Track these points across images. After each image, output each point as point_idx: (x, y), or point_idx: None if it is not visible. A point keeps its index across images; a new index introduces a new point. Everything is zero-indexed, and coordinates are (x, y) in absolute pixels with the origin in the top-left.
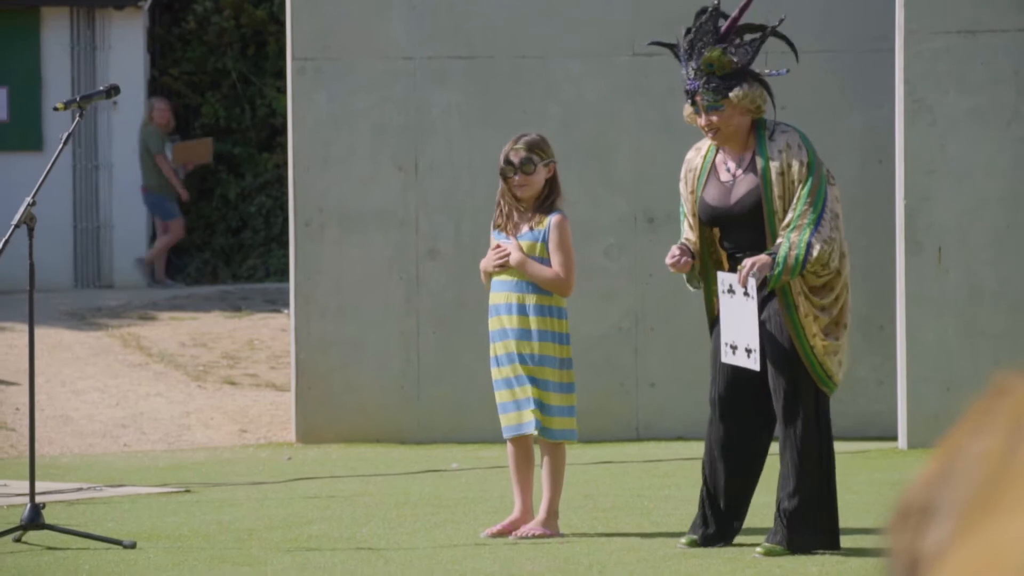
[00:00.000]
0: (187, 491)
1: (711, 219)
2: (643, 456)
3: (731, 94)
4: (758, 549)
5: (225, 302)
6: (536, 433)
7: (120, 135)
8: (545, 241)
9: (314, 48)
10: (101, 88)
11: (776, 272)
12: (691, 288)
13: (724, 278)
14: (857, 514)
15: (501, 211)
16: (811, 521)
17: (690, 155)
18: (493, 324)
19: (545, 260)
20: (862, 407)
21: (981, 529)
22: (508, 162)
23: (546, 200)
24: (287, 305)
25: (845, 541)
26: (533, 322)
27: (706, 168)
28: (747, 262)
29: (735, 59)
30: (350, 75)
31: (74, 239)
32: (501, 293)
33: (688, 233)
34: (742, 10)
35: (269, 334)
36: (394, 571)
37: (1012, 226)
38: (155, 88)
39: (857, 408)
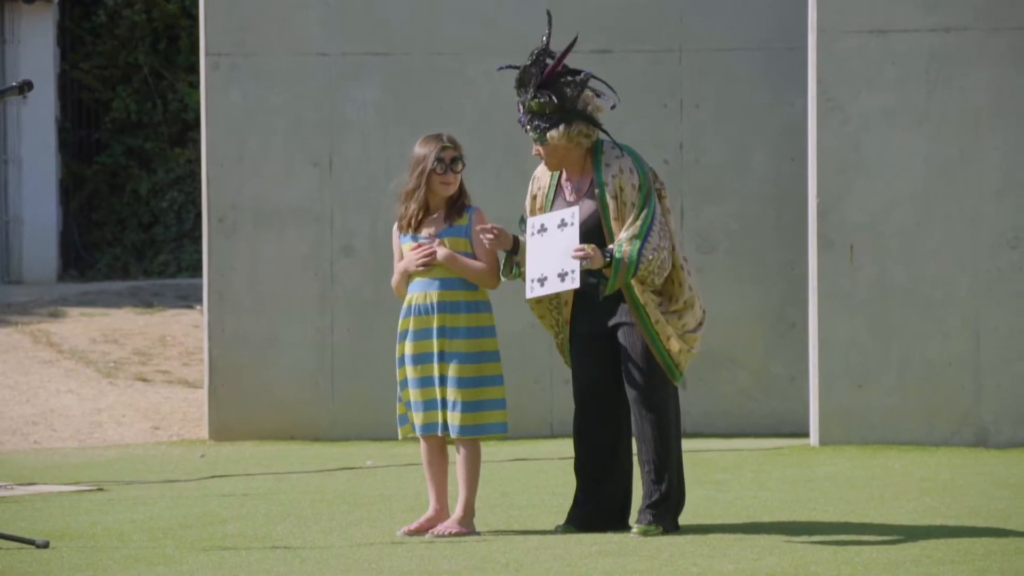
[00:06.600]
0: (100, 489)
1: None
2: (558, 453)
3: (548, 135)
4: (634, 530)
5: (136, 298)
6: (449, 434)
7: (30, 129)
8: (469, 236)
9: (228, 43)
10: (14, 84)
11: (613, 272)
12: (504, 279)
13: (534, 220)
14: (770, 511)
15: (412, 213)
16: (675, 505)
17: (538, 172)
18: (413, 324)
19: (470, 255)
20: (774, 404)
21: None
22: (439, 160)
23: (458, 200)
24: (200, 301)
25: (759, 539)
26: (462, 319)
27: (553, 186)
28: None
29: (555, 100)
30: (265, 71)
31: None
32: (421, 293)
33: None
34: (563, 56)
35: (181, 330)
36: (310, 570)
37: (922, 225)
38: (65, 82)
39: (769, 405)
